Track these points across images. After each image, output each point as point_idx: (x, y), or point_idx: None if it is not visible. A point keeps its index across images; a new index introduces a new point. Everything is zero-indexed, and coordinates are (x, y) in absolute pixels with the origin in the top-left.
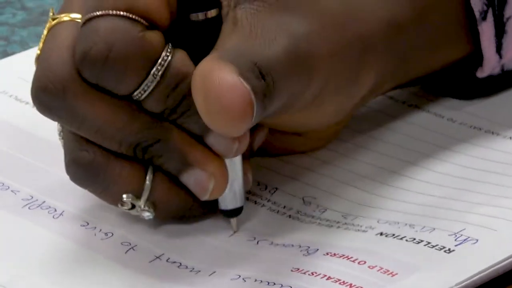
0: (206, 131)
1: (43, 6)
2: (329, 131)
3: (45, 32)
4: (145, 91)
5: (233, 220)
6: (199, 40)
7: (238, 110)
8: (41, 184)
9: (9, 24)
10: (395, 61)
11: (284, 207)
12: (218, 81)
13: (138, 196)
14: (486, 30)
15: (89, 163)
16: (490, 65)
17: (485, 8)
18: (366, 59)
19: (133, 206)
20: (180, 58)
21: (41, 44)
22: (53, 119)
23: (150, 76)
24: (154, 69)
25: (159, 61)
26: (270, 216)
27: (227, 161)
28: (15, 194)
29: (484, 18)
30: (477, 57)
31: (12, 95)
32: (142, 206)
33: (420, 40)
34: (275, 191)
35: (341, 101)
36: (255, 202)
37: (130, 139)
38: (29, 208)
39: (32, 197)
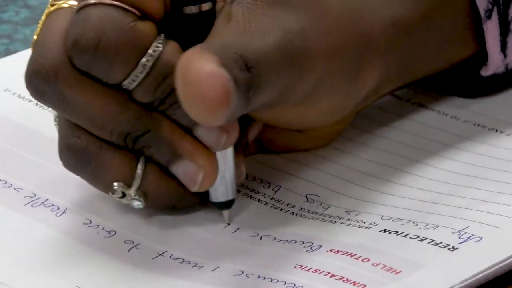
0: (194, 123)
1: (46, 4)
2: (331, 130)
3: (43, 17)
4: (134, 81)
5: (225, 213)
6: (192, 33)
7: (215, 98)
8: (44, 182)
9: (12, 22)
10: (400, 61)
11: (288, 204)
12: (197, 68)
13: (129, 185)
14: (491, 28)
15: (81, 150)
16: (494, 64)
17: (490, 6)
18: (368, 59)
19: (124, 195)
20: (171, 50)
21: (38, 30)
22: (46, 104)
23: (140, 66)
24: (144, 59)
25: (150, 51)
26: (273, 213)
27: (218, 153)
28: (18, 191)
29: (489, 16)
30: (481, 56)
31: (15, 93)
32: (133, 195)
33: (426, 40)
34: (278, 189)
35: (339, 99)
36: (258, 200)
37: (120, 128)
38: (31, 205)
39: (35, 195)
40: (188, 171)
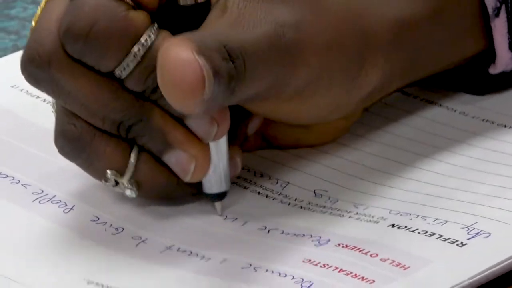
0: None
1: None
2: (337, 126)
3: (42, 4)
4: (126, 69)
5: (218, 204)
6: (186, 25)
7: (188, 86)
8: (52, 178)
9: (19, 18)
10: (405, 59)
11: (296, 199)
12: (173, 55)
13: (122, 174)
14: (499, 26)
15: (75, 137)
16: (502, 62)
17: (498, 4)
18: (369, 56)
19: (117, 183)
20: (163, 39)
21: (37, 16)
22: (40, 90)
23: (131, 55)
24: (135, 48)
25: (141, 41)
26: (281, 207)
27: (212, 144)
28: (26, 188)
29: (497, 14)
30: (490, 54)
31: (23, 89)
32: (125, 184)
33: (433, 38)
34: (286, 185)
35: (338, 96)
36: (266, 196)
37: (113, 116)
38: (39, 202)
39: (43, 191)
40: (180, 161)
